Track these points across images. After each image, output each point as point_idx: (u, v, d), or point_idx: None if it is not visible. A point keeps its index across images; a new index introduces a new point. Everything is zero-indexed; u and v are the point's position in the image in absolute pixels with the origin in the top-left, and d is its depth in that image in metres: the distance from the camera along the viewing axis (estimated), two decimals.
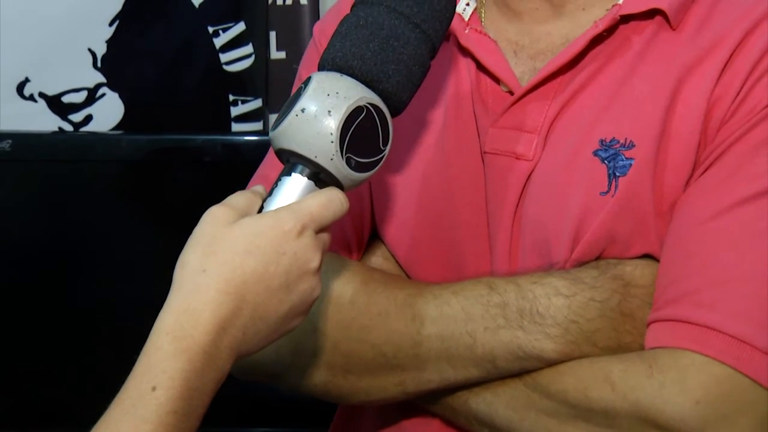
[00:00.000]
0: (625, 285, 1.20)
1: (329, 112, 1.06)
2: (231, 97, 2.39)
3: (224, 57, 2.37)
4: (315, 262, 1.05)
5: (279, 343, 1.25)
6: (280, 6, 2.38)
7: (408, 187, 1.32)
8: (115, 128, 2.36)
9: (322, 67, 1.11)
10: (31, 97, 2.32)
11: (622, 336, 1.19)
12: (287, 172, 1.08)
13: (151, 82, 2.36)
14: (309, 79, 1.09)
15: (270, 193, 1.08)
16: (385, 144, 1.10)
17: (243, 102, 2.39)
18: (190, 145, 2.25)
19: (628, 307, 1.19)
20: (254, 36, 2.38)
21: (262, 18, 2.38)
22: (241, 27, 2.37)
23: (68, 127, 2.35)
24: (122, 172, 2.26)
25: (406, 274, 1.34)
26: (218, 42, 2.37)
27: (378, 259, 1.35)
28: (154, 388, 0.96)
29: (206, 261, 1.01)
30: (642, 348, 1.18)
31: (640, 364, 1.15)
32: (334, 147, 1.06)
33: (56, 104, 2.34)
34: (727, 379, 1.12)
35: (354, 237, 1.35)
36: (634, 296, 1.19)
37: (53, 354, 2.23)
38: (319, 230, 1.06)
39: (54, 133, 2.33)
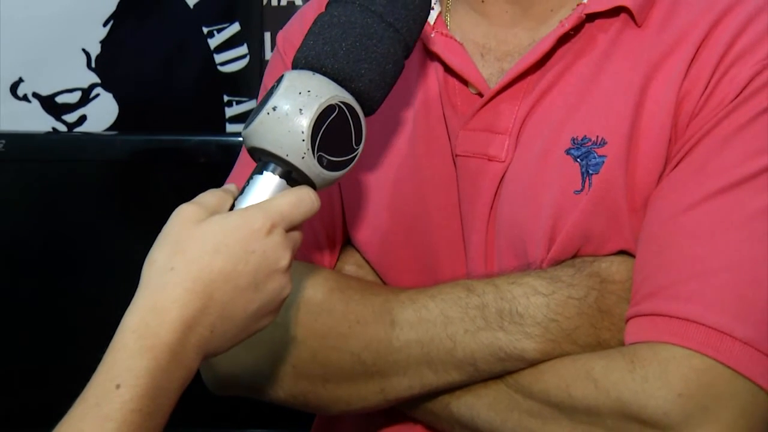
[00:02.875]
0: (602, 281, 1.20)
1: (301, 110, 1.06)
2: (225, 98, 2.39)
3: (219, 58, 2.37)
4: (285, 261, 1.04)
5: (257, 355, 1.26)
6: (275, 7, 2.38)
7: (379, 192, 1.31)
8: (110, 129, 2.36)
9: (295, 66, 1.11)
10: (25, 98, 2.32)
11: (600, 332, 1.19)
12: (259, 171, 1.08)
13: (145, 82, 2.36)
14: (281, 77, 1.09)
15: (242, 192, 1.07)
16: (358, 143, 1.09)
17: (237, 103, 2.39)
18: (184, 145, 2.25)
19: (606, 303, 1.19)
20: (249, 37, 2.38)
21: (256, 19, 2.38)
22: (235, 28, 2.37)
23: (62, 128, 2.34)
24: (116, 172, 2.26)
25: (381, 280, 1.33)
26: (213, 42, 2.37)
27: (351, 267, 1.35)
28: (118, 386, 0.96)
29: (174, 259, 1.00)
30: (620, 344, 1.18)
31: (621, 359, 1.15)
32: (306, 145, 1.06)
33: (50, 104, 2.33)
34: (707, 370, 1.12)
35: (326, 244, 1.35)
36: (611, 292, 1.19)
37: (45, 354, 2.23)
38: (290, 229, 1.05)
39: (48, 133, 2.32)
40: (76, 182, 2.25)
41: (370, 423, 1.35)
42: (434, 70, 1.30)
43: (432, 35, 1.30)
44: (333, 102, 1.07)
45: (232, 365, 1.28)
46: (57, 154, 2.26)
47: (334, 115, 1.07)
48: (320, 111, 1.06)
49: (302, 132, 1.05)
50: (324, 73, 1.09)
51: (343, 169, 1.09)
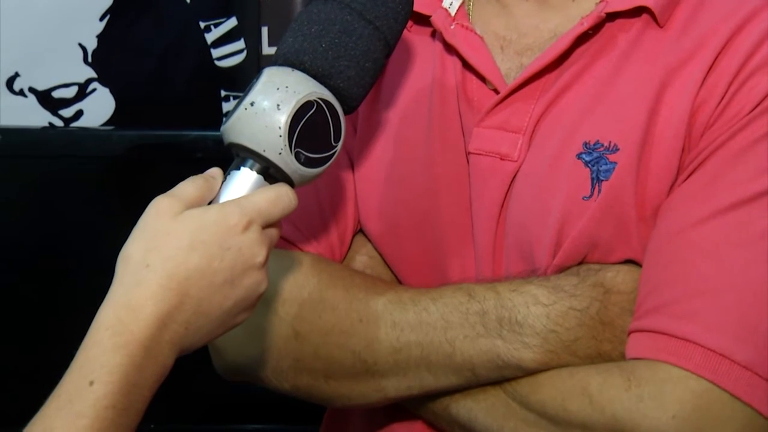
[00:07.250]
0: (606, 292, 1.18)
1: (278, 106, 1.06)
2: (223, 93, 2.38)
3: (216, 52, 2.37)
4: (260, 257, 1.03)
5: (261, 347, 1.26)
6: (271, 1, 2.38)
7: (392, 186, 1.30)
8: (106, 123, 2.35)
9: (274, 63, 1.11)
10: (21, 92, 2.32)
11: (601, 344, 1.17)
12: (236, 167, 1.07)
13: (142, 77, 2.36)
14: (260, 73, 1.09)
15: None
16: (337, 140, 1.09)
17: (235, 98, 2.39)
18: (181, 140, 2.25)
19: (608, 315, 1.17)
20: (246, 31, 2.37)
21: (254, 13, 2.37)
22: (232, 22, 2.36)
23: (58, 123, 2.34)
24: (113, 167, 2.26)
25: (392, 272, 1.33)
26: (210, 37, 2.36)
27: (363, 257, 1.34)
28: (91, 383, 0.95)
29: (149, 256, 1.00)
30: (621, 356, 1.16)
31: (619, 376, 1.13)
32: (283, 141, 1.05)
33: (46, 99, 2.33)
34: (704, 393, 1.10)
35: (337, 234, 1.34)
36: (614, 304, 1.18)
37: (41, 350, 2.23)
38: (267, 226, 1.05)
39: (44, 128, 2.32)
40: (72, 177, 2.26)
41: (374, 417, 1.35)
42: (452, 64, 1.28)
43: (452, 27, 1.28)
44: (311, 98, 1.07)
45: (239, 355, 1.28)
46: (53, 149, 2.26)
47: (312, 111, 1.07)
48: (298, 107, 1.06)
49: (279, 128, 1.05)
50: (303, 70, 1.09)
51: (322, 165, 1.09)
